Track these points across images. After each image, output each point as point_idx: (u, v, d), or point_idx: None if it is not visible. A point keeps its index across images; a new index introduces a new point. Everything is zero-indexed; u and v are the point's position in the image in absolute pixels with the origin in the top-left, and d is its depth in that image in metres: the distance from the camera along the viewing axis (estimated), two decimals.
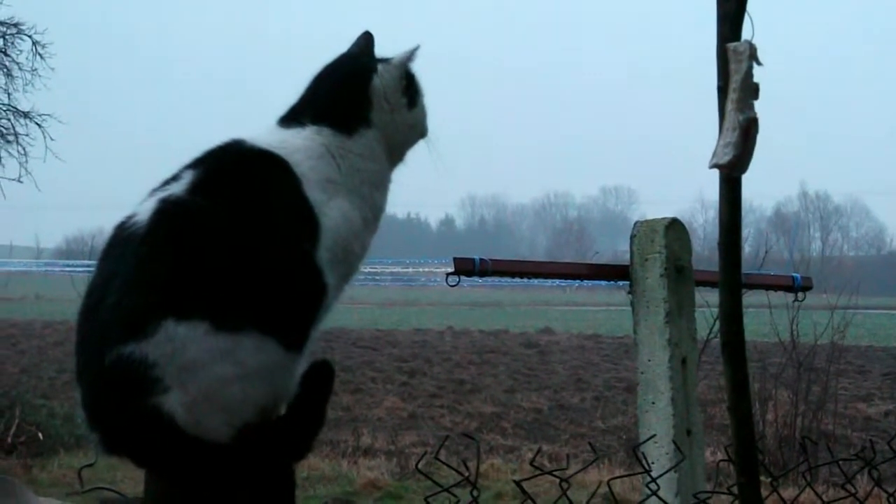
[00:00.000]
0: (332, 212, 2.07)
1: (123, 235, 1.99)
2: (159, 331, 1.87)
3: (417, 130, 2.34)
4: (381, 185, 2.23)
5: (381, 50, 2.33)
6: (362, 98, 2.24)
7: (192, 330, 1.88)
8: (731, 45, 2.82)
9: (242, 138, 2.12)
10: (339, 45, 2.34)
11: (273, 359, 1.95)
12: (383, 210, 2.24)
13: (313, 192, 2.07)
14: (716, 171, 2.95)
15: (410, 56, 2.30)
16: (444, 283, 3.75)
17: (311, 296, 2.03)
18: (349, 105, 2.23)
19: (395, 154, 2.31)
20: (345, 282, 2.15)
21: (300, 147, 2.14)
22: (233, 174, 2.06)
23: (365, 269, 2.27)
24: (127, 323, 1.89)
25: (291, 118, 2.22)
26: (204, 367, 1.88)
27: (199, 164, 2.06)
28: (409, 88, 2.29)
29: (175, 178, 2.04)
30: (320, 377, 2.08)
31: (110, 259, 1.99)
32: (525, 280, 4.20)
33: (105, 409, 1.92)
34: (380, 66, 2.27)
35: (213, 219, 1.97)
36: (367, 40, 2.33)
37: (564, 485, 2.42)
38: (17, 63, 11.67)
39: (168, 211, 1.98)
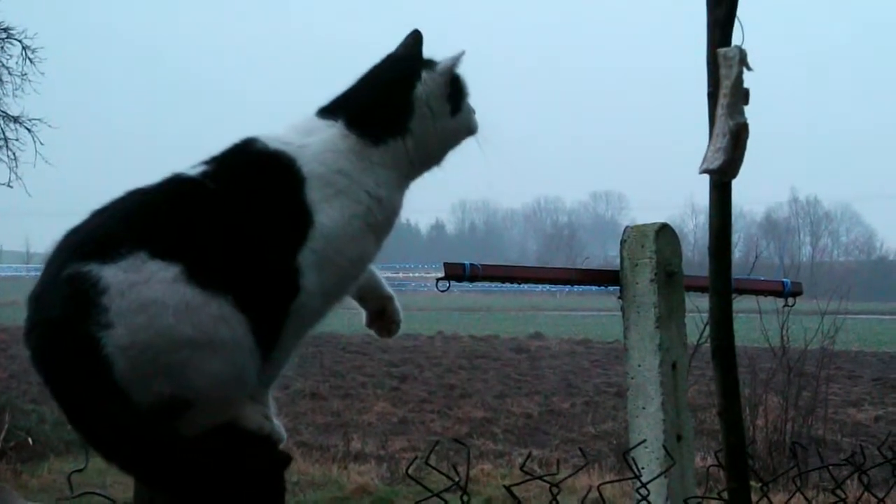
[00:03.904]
0: (331, 212, 2.04)
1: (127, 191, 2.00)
2: (128, 258, 1.80)
3: (461, 134, 2.32)
4: (394, 190, 2.18)
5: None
6: (403, 105, 2.21)
7: (163, 269, 1.81)
8: (722, 51, 2.83)
9: (256, 137, 2.10)
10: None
11: (235, 337, 1.85)
12: (396, 214, 2.20)
13: (313, 193, 2.04)
14: (706, 177, 2.96)
15: (456, 62, 2.27)
16: (435, 288, 3.74)
17: (282, 290, 1.97)
18: (388, 112, 2.20)
19: (432, 158, 2.28)
20: (337, 287, 2.10)
21: (318, 146, 2.11)
22: (238, 171, 2.05)
23: None
24: (97, 242, 1.83)
25: (330, 111, 2.20)
26: (159, 314, 1.77)
27: (210, 161, 2.07)
28: (454, 94, 2.27)
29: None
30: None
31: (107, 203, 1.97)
32: (515, 285, 4.20)
33: (41, 327, 1.81)
34: (424, 73, 2.24)
35: (215, 196, 1.98)
36: (415, 41, 2.28)
37: (555, 490, 2.42)
38: (7, 68, 11.70)
39: (175, 177, 2.01)
